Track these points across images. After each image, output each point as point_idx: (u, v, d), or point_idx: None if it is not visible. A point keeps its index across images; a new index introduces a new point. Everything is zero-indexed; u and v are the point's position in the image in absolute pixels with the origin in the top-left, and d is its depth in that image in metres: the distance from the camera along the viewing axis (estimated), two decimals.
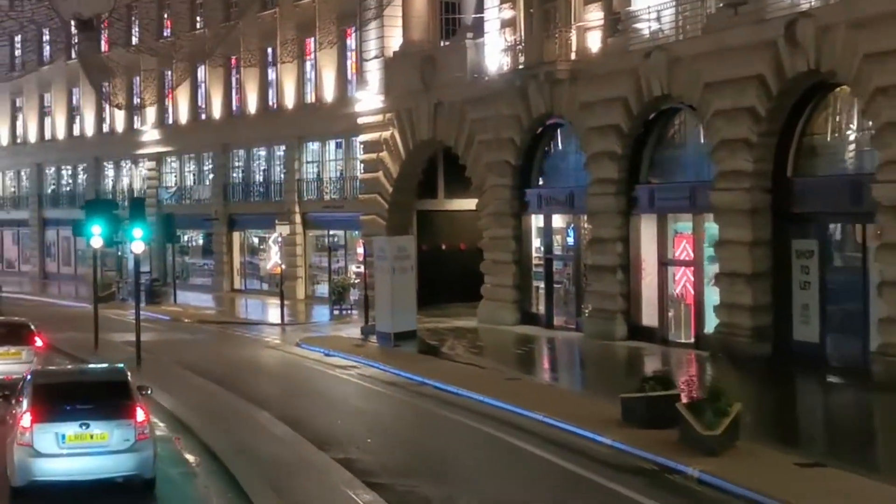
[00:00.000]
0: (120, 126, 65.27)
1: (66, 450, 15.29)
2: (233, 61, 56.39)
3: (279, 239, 52.61)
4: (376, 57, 45.78)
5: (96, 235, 31.82)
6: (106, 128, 66.93)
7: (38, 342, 26.58)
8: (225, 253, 57.40)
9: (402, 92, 44.05)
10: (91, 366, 22.40)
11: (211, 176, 58.98)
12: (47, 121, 71.74)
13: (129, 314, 45.35)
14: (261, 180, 55.71)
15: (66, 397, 15.91)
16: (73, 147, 68.84)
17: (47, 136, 71.77)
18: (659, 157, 33.35)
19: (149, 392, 17.89)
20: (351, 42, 48.59)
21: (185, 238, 61.27)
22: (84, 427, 15.36)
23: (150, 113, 62.56)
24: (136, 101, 62.32)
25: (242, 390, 25.37)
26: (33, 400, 15.73)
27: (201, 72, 58.65)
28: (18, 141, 74.10)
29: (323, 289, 51.03)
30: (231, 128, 56.50)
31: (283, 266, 52.70)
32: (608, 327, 33.71)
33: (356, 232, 49.69)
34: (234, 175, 57.63)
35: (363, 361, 30.74)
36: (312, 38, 50.22)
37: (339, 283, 46.36)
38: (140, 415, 15.75)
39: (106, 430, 15.41)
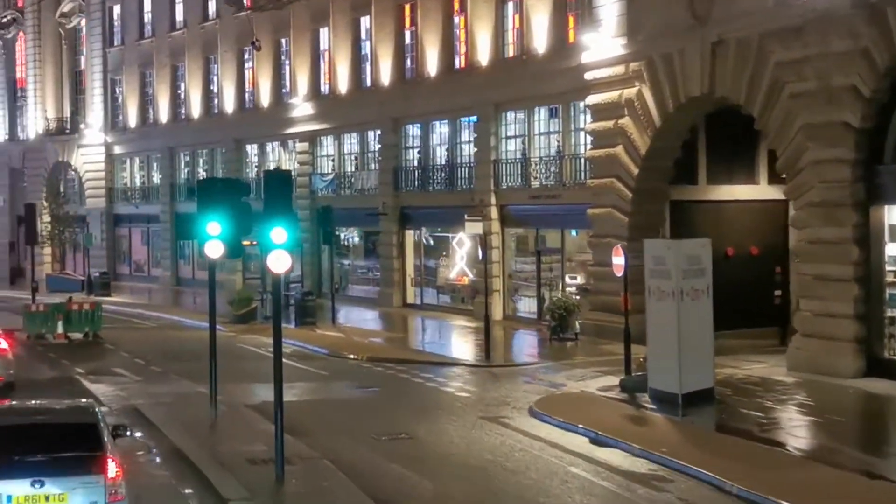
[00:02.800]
0: (265, 100, 53.20)
1: None
2: (405, 9, 43.74)
3: (468, 239, 40.10)
4: None
5: (214, 239, 19.27)
6: (248, 103, 54.96)
7: (2, 344, 23.48)
8: (395, 257, 44.77)
9: (658, 30, 30.80)
10: (50, 402, 16.53)
11: (377, 159, 46.41)
12: (181, 96, 60.19)
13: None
14: (443, 163, 42.83)
15: (13, 445, 12.48)
16: (211, 127, 57.08)
17: (181, 115, 60.20)
18: None
19: (129, 433, 14.15)
20: None
21: (343, 237, 49.11)
22: (37, 486, 12.08)
23: (302, 83, 50.32)
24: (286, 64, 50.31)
25: None
26: None
27: (364, 27, 46.20)
28: (149, 121, 62.70)
29: (528, 306, 38.11)
30: (403, 97, 43.88)
31: (473, 276, 40.04)
32: None
33: (574, 231, 36.75)
34: (408, 157, 44.93)
35: (669, 462, 17.41)
36: None
37: (561, 303, 33.11)
38: (112, 469, 12.34)
39: (66, 490, 12.13)
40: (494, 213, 39.08)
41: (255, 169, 54.53)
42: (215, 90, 57.36)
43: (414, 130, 44.53)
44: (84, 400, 14.60)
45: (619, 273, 24.78)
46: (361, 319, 40.61)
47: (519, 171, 38.43)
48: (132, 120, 63.62)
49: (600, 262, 33.19)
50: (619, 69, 32.32)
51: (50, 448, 12.51)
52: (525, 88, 37.35)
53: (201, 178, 57.90)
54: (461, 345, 34.60)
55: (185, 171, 60.73)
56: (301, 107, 50.37)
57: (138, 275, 63.58)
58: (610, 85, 32.72)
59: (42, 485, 12.08)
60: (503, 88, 38.39)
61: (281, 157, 53.27)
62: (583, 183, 34.87)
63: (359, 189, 47.57)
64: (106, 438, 12.82)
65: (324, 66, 49.31)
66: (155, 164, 62.88)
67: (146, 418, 20.60)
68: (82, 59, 67.43)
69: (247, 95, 54.97)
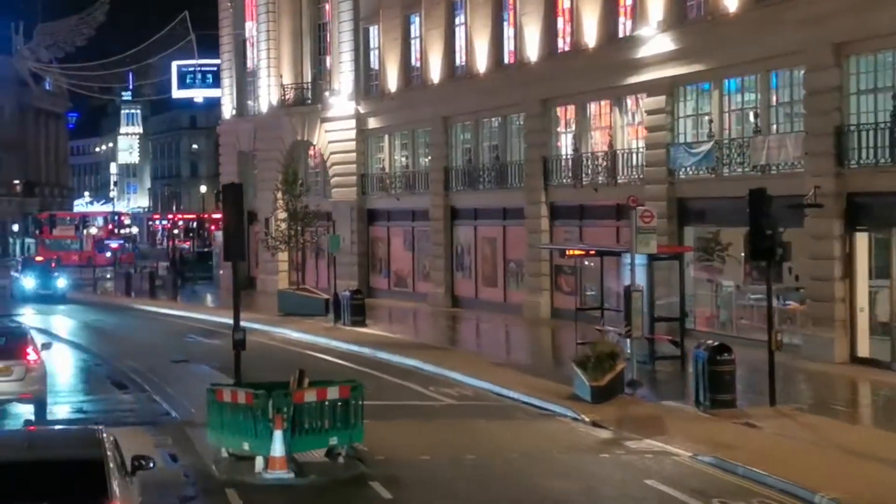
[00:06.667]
0: (591, 39, 35.68)
1: None
2: None
3: None
4: None
5: None
6: (562, 44, 37.57)
7: (33, 356, 21.07)
8: (836, 279, 26.44)
9: None
10: (48, 429, 14.18)
11: (795, 113, 28.23)
12: (458, 46, 43.32)
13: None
14: None
15: None
16: (502, 85, 39.97)
17: (459, 71, 43.33)
18: None
19: (151, 466, 11.43)
20: None
21: (718, 242, 31.36)
22: None
23: (654, 5, 32.64)
24: None
25: None
26: None
27: None
28: (415, 83, 46.11)
29: None
30: (852, 6, 25.60)
31: None
32: None
33: None
34: (862, 108, 26.49)
35: None
36: None
37: None
38: None
39: None
40: None
41: (572, 140, 37.19)
42: (509, 32, 40.27)
43: (869, 63, 26.10)
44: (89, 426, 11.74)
45: None
46: (809, 399, 22.39)
47: None
48: (392, 83, 47.16)
49: None
50: None
51: (42, 493, 9.95)
52: None
53: (485, 159, 41.33)
54: None
55: (464, 149, 43.87)
56: (651, 42, 32.74)
57: (399, 290, 47.14)
58: None
59: None
60: None
61: (615, 123, 35.58)
62: None
63: (756, 165, 29.30)
64: (113, 479, 10.19)
65: None
66: (422, 141, 46.23)
67: None
68: (326, 7, 51.66)
69: (560, 35, 37.59)
